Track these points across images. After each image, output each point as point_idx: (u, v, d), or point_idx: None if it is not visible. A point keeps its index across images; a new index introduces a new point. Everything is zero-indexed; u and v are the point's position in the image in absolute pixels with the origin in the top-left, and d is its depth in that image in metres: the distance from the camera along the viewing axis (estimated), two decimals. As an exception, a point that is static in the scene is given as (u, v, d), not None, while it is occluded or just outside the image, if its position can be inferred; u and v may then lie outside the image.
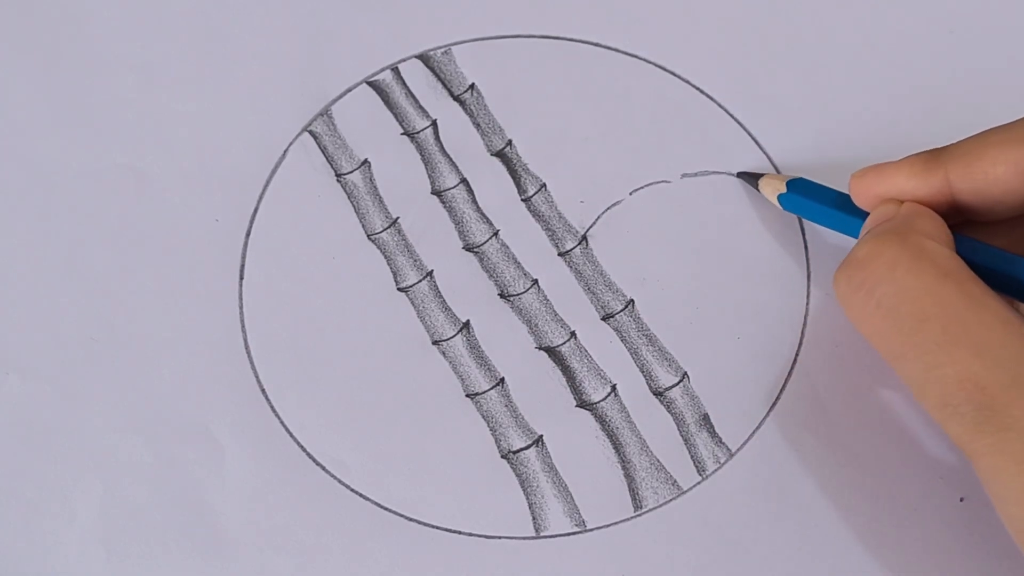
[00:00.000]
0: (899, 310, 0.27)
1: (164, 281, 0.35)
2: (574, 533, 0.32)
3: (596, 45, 0.38)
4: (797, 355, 0.34)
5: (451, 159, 0.37)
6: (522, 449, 0.33)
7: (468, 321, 0.35)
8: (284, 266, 0.35)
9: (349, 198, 0.36)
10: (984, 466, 0.26)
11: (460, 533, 0.32)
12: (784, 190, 0.33)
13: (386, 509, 0.33)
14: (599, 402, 0.34)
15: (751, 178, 0.35)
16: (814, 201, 0.33)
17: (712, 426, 0.33)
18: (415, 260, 0.35)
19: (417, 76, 0.38)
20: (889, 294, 0.27)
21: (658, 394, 0.34)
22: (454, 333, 0.34)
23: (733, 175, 0.36)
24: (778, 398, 0.33)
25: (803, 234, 0.35)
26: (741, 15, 0.38)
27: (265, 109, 0.37)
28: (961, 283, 0.26)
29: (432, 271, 0.35)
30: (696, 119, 0.37)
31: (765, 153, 0.36)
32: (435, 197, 0.36)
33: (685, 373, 0.34)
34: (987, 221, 0.30)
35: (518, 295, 0.35)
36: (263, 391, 0.34)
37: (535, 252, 0.35)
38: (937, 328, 0.26)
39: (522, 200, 0.36)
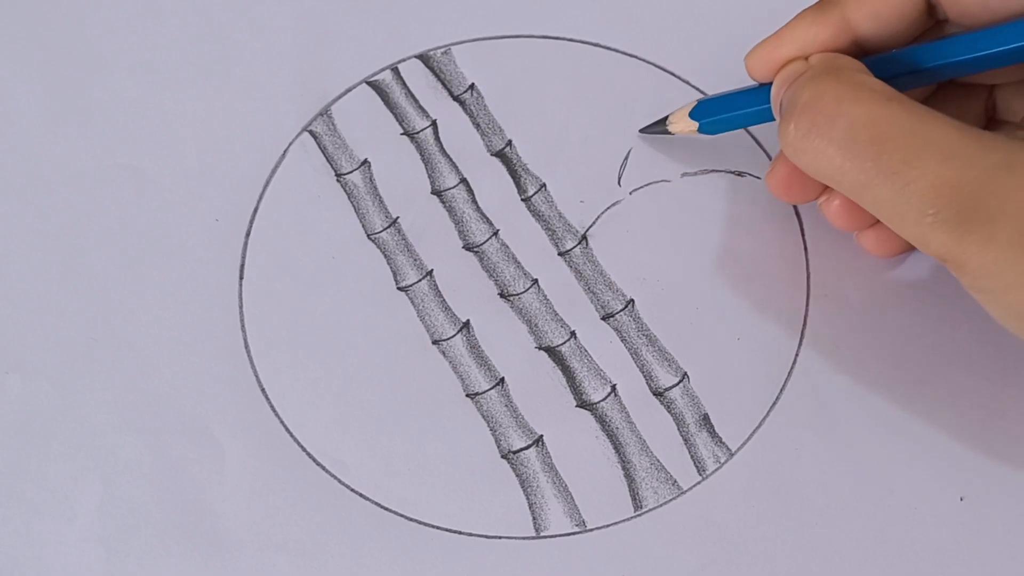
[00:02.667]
0: (856, 139, 0.27)
1: (164, 281, 0.35)
2: (574, 533, 0.32)
3: (596, 45, 0.38)
4: (797, 355, 0.34)
5: (451, 159, 0.37)
6: (522, 449, 0.33)
7: (468, 321, 0.35)
8: (284, 266, 0.35)
9: (349, 198, 0.36)
10: (975, 267, 0.26)
11: (460, 533, 0.32)
12: (693, 123, 0.33)
13: (386, 509, 0.32)
14: (599, 402, 0.34)
15: (658, 127, 0.35)
16: (726, 112, 0.33)
17: (712, 426, 0.33)
18: (415, 260, 0.35)
19: (417, 76, 0.38)
20: (842, 127, 0.27)
21: (658, 394, 0.34)
22: (454, 333, 0.34)
23: (733, 174, 0.36)
24: (778, 398, 0.33)
25: (803, 234, 0.35)
26: (741, 15, 0.38)
27: (265, 109, 0.37)
28: (903, 102, 0.27)
29: (432, 271, 0.35)
30: (696, 119, 0.37)
31: (765, 152, 0.36)
32: (435, 197, 0.36)
33: (685, 373, 0.34)
34: (888, 49, 0.30)
35: (518, 295, 0.35)
36: (263, 391, 0.34)
37: (535, 252, 0.35)
38: (898, 146, 0.26)
39: (522, 200, 0.36)
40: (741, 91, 0.33)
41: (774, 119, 0.31)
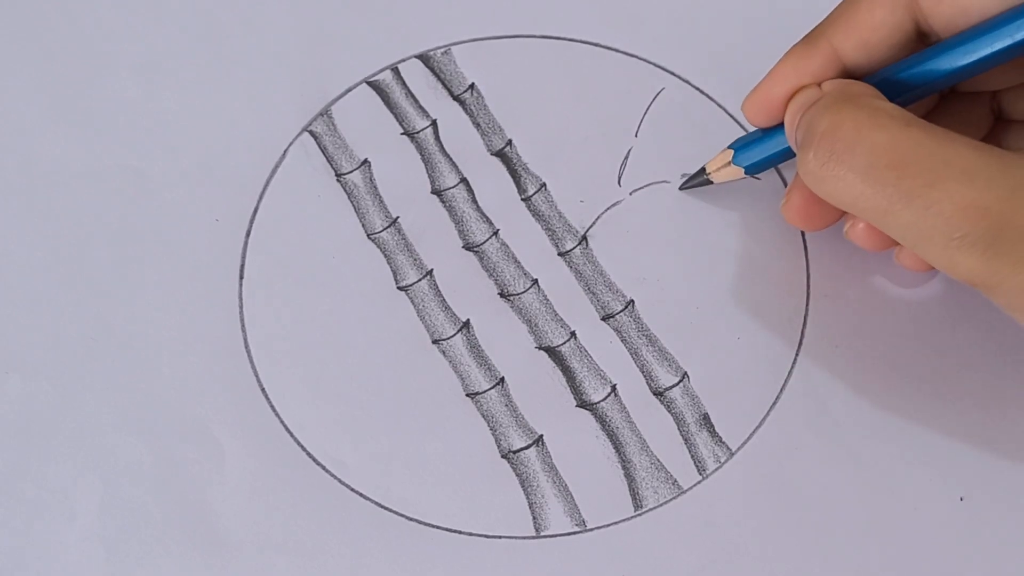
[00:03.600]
0: (877, 166, 0.26)
1: (164, 281, 0.35)
2: (574, 533, 0.32)
3: (596, 45, 0.38)
4: (797, 355, 0.34)
5: (451, 159, 0.37)
6: (522, 449, 0.33)
7: (468, 320, 0.35)
8: (284, 266, 0.35)
9: (349, 198, 0.36)
10: (1009, 288, 0.26)
11: (460, 533, 0.32)
12: (738, 166, 0.33)
13: (386, 509, 0.32)
14: (599, 402, 0.34)
15: (697, 179, 0.35)
16: (766, 153, 0.33)
17: (712, 426, 0.33)
18: (415, 259, 0.35)
19: (417, 76, 0.38)
20: (863, 154, 0.27)
21: (658, 394, 0.34)
22: (454, 332, 0.34)
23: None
24: (778, 398, 0.33)
25: (803, 234, 0.35)
26: (741, 15, 0.38)
27: (265, 109, 0.37)
28: (923, 126, 0.27)
29: (432, 270, 0.35)
30: (696, 119, 0.37)
31: (765, 153, 0.36)
32: (435, 196, 0.36)
33: (685, 373, 0.34)
34: (873, 68, 0.30)
35: (518, 295, 0.35)
36: (263, 391, 0.34)
37: (535, 252, 0.35)
38: (920, 170, 0.26)
39: (522, 200, 0.36)
40: (773, 129, 0.32)
41: None
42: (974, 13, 0.28)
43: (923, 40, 0.30)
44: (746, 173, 0.34)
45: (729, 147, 0.34)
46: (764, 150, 0.33)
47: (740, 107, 0.32)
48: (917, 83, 0.29)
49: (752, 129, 0.34)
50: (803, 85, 0.30)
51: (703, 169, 0.35)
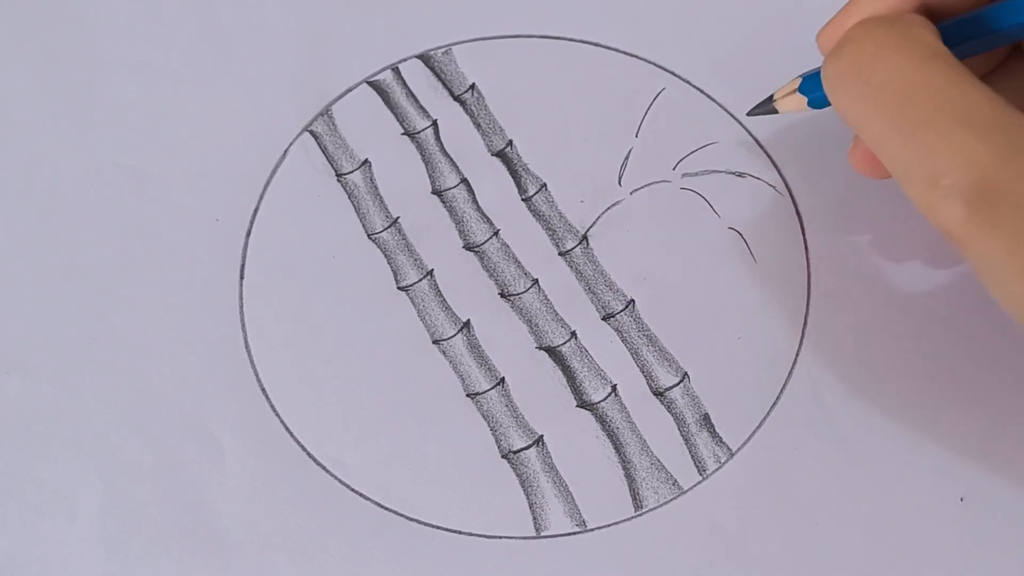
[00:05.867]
0: (886, 88, 0.26)
1: (164, 281, 0.35)
2: (574, 533, 0.32)
3: (596, 45, 0.38)
4: (797, 355, 0.34)
5: (451, 159, 0.37)
6: (522, 449, 0.33)
7: (468, 320, 0.35)
8: (284, 266, 0.35)
9: (349, 198, 0.36)
10: (980, 250, 0.25)
11: (460, 533, 0.32)
12: (803, 95, 0.32)
13: (386, 509, 0.32)
14: (599, 402, 0.34)
15: (764, 107, 0.34)
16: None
17: (712, 426, 0.33)
18: (415, 259, 0.35)
19: (417, 76, 0.38)
20: (876, 71, 0.26)
21: (658, 394, 0.34)
22: (454, 332, 0.34)
23: (733, 174, 0.36)
24: (778, 398, 0.33)
25: (803, 234, 0.35)
26: (741, 15, 0.38)
27: (265, 109, 0.37)
28: (947, 63, 0.26)
29: (432, 270, 0.35)
30: (696, 119, 0.37)
31: (766, 152, 0.36)
32: (435, 197, 0.36)
33: (685, 373, 0.34)
34: (961, 11, 0.29)
35: (518, 295, 0.35)
36: (263, 391, 0.34)
37: (535, 252, 0.35)
38: (925, 103, 0.25)
39: (522, 200, 0.36)
40: None
41: None
42: None
43: None
44: (809, 105, 0.32)
45: (799, 76, 0.32)
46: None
47: (815, 37, 0.31)
48: (987, 31, 0.28)
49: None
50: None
51: (771, 97, 0.34)
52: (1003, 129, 0.24)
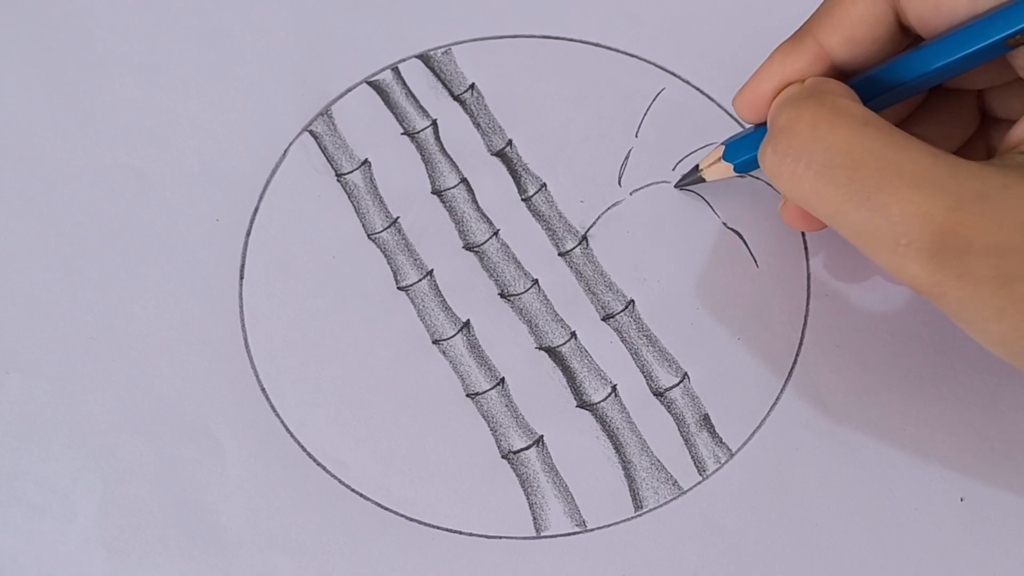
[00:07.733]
0: (830, 165, 0.26)
1: (164, 281, 0.35)
2: (574, 533, 0.32)
3: (596, 45, 0.38)
4: (797, 355, 0.34)
5: (451, 159, 0.37)
6: (522, 449, 0.33)
7: (468, 321, 0.35)
8: (284, 266, 0.35)
9: (349, 198, 0.36)
10: (952, 299, 0.26)
11: (460, 533, 0.32)
12: (728, 163, 0.33)
13: (386, 509, 0.33)
14: (599, 402, 0.34)
15: (691, 177, 0.35)
16: (750, 146, 0.32)
17: (712, 426, 0.33)
18: (415, 259, 0.35)
19: (417, 76, 0.38)
20: (818, 152, 0.27)
21: (658, 394, 0.34)
22: (454, 333, 0.34)
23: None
24: (778, 398, 0.33)
25: (803, 234, 0.35)
26: (741, 15, 0.38)
27: (265, 109, 0.37)
28: (881, 128, 0.26)
29: (432, 270, 0.35)
30: (696, 119, 0.37)
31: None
32: (435, 197, 0.36)
33: (685, 373, 0.34)
34: (864, 69, 0.30)
35: (518, 295, 0.35)
36: (263, 391, 0.34)
37: (535, 252, 0.35)
38: (871, 172, 0.26)
39: (522, 200, 0.36)
40: (762, 126, 0.32)
41: None
42: (945, 9, 0.28)
43: (908, 35, 0.30)
44: (736, 171, 0.33)
45: (721, 143, 0.33)
46: (753, 147, 0.32)
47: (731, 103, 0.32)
48: (900, 82, 0.29)
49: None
50: (790, 82, 0.30)
51: (696, 167, 0.35)
52: (948, 182, 0.25)
